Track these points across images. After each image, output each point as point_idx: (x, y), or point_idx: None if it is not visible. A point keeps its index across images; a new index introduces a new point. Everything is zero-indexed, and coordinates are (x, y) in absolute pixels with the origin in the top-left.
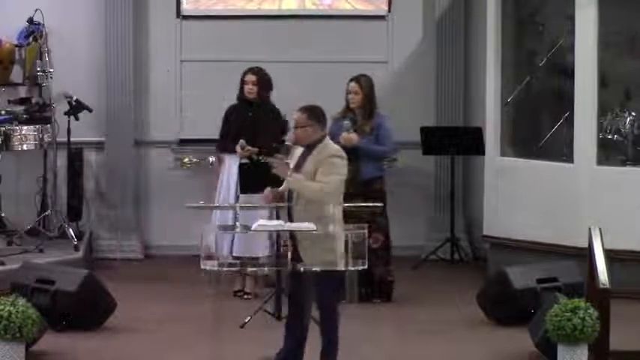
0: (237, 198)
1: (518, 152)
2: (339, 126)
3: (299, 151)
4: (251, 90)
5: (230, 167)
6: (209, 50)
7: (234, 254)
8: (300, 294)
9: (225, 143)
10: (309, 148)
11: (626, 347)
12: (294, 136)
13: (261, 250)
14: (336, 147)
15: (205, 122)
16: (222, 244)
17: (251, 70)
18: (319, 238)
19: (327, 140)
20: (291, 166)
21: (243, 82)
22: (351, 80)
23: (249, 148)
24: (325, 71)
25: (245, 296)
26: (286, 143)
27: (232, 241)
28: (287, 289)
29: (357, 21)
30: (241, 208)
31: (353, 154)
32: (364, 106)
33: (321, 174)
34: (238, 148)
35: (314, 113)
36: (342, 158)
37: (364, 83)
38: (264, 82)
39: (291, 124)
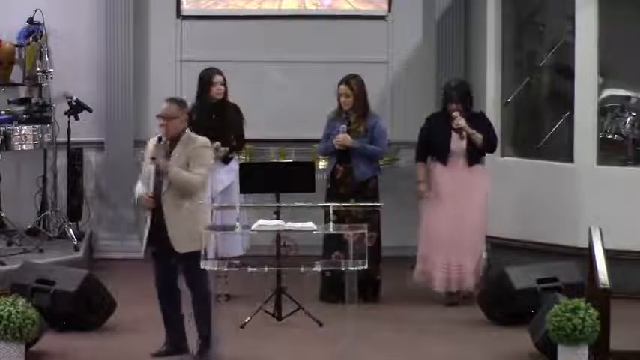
0: (212, 199)
1: (519, 152)
2: (333, 127)
3: (152, 143)
4: (219, 90)
5: None
6: (209, 50)
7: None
8: (173, 283)
9: None
10: (174, 140)
11: (626, 347)
12: (163, 129)
13: (237, 250)
14: (203, 138)
15: None
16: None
17: (216, 71)
18: (188, 227)
19: (189, 131)
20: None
21: (210, 84)
22: (341, 82)
23: (223, 149)
24: (325, 71)
25: (218, 298)
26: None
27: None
28: (158, 281)
29: (357, 21)
30: (241, 208)
31: (347, 155)
32: (356, 107)
33: (195, 166)
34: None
35: (182, 104)
36: (209, 148)
37: (354, 85)
38: (226, 82)
39: None
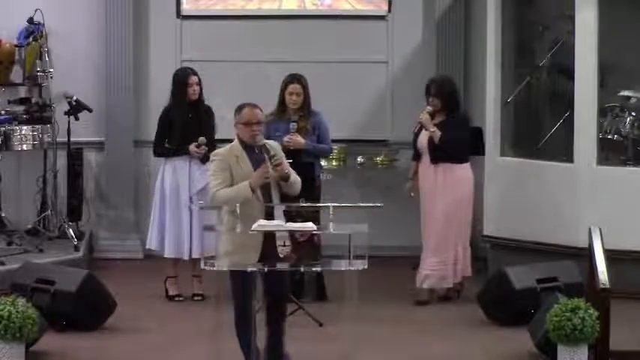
0: (190, 199)
1: (518, 152)
2: (275, 128)
3: (239, 153)
4: (195, 91)
5: (175, 170)
6: (209, 50)
7: (193, 256)
8: (279, 292)
9: (165, 147)
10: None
11: (626, 347)
12: (260, 136)
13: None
14: (272, 140)
15: None
16: (179, 245)
17: (192, 71)
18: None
19: None
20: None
21: (185, 85)
22: (291, 82)
23: (205, 146)
24: (325, 71)
25: (195, 298)
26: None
27: (190, 244)
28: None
29: (357, 21)
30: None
31: (295, 154)
32: (304, 106)
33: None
34: (193, 147)
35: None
36: None
37: (305, 83)
38: (201, 82)
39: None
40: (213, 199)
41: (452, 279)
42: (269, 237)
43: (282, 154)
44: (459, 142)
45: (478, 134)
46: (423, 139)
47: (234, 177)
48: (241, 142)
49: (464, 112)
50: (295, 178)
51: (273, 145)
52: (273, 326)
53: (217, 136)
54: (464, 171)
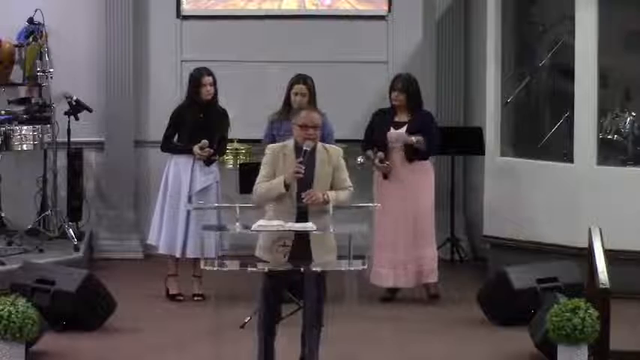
0: (189, 198)
1: (518, 152)
2: (278, 127)
3: (288, 151)
4: (209, 91)
5: (178, 168)
6: (209, 50)
7: (187, 256)
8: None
9: (172, 144)
10: (312, 150)
11: (626, 347)
12: (309, 137)
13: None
14: (335, 146)
15: None
16: (172, 242)
17: (206, 72)
18: (326, 238)
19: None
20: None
21: (199, 85)
22: (297, 82)
23: (209, 149)
24: (325, 71)
25: (195, 298)
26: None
27: (185, 242)
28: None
29: (357, 21)
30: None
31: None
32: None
33: (343, 178)
34: (197, 149)
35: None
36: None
37: (310, 84)
38: (216, 83)
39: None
40: (254, 192)
41: (426, 279)
42: (300, 237)
43: (342, 162)
44: (432, 139)
45: (478, 134)
46: (395, 134)
47: (276, 173)
48: (296, 141)
49: (428, 111)
50: (337, 199)
51: (333, 152)
52: (306, 331)
53: None
54: (431, 169)
